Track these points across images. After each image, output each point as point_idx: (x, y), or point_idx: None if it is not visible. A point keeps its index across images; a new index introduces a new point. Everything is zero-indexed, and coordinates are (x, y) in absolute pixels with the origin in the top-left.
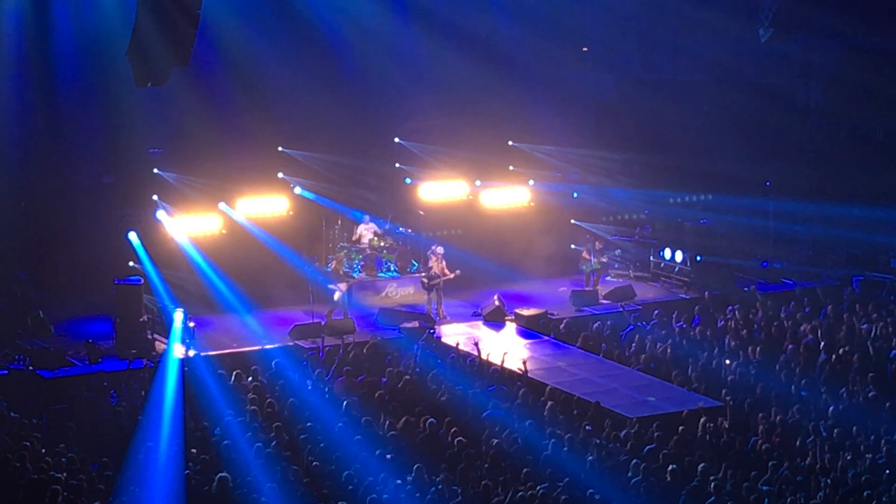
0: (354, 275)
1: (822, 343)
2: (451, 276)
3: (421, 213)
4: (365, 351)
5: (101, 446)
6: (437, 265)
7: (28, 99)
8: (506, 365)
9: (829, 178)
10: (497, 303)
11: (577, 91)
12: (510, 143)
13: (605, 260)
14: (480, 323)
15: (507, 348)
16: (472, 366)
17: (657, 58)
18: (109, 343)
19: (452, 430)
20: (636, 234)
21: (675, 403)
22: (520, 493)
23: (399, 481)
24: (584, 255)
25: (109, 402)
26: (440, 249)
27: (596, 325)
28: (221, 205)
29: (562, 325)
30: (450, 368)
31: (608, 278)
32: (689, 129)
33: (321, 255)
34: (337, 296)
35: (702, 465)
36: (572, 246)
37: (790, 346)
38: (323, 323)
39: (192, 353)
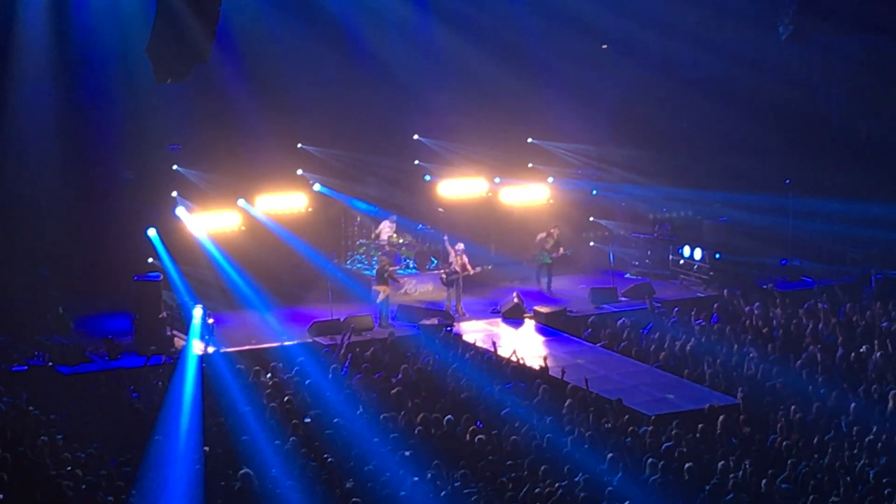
0: (401, 272)
1: (841, 341)
2: (473, 271)
3: (440, 209)
4: (383, 348)
5: (120, 442)
6: (457, 261)
7: (48, 96)
8: (525, 362)
9: (849, 176)
10: (516, 300)
11: (596, 88)
12: (529, 140)
13: (561, 252)
14: (499, 320)
15: (525, 345)
16: (490, 363)
17: (677, 56)
18: (129, 339)
19: (471, 427)
20: (655, 232)
21: (693, 401)
22: (538, 490)
23: (417, 478)
24: (539, 239)
25: (129, 398)
26: (460, 246)
27: (620, 321)
28: (240, 201)
29: (589, 321)
30: (468, 365)
31: (627, 275)
32: (709, 127)
33: (340, 251)
34: (380, 297)
35: (721, 462)
36: (591, 243)
37: (809, 345)
38: (342, 320)
39: (210, 349)
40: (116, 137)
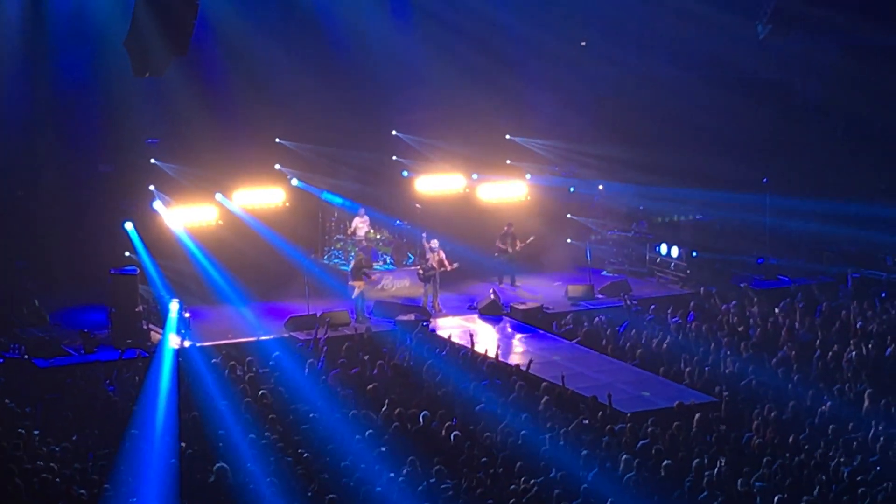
0: (378, 267)
1: (818, 340)
2: (450, 268)
3: (418, 205)
4: (360, 343)
5: (95, 436)
6: (434, 257)
7: (26, 88)
8: (501, 359)
9: (826, 174)
10: (493, 296)
11: (574, 86)
12: (507, 136)
13: (520, 246)
14: (476, 316)
15: (502, 342)
16: (466, 359)
17: (655, 53)
18: (105, 333)
19: (447, 423)
20: (632, 229)
21: (669, 399)
22: (513, 487)
23: (392, 474)
24: (499, 244)
25: (104, 391)
26: (435, 242)
27: (597, 319)
28: (218, 196)
29: (565, 318)
30: (444, 361)
31: (604, 273)
32: (687, 125)
33: (317, 246)
34: (355, 293)
35: (696, 460)
36: (568, 240)
37: (785, 343)
38: (318, 315)
39: (187, 343)
40: (94, 131)
